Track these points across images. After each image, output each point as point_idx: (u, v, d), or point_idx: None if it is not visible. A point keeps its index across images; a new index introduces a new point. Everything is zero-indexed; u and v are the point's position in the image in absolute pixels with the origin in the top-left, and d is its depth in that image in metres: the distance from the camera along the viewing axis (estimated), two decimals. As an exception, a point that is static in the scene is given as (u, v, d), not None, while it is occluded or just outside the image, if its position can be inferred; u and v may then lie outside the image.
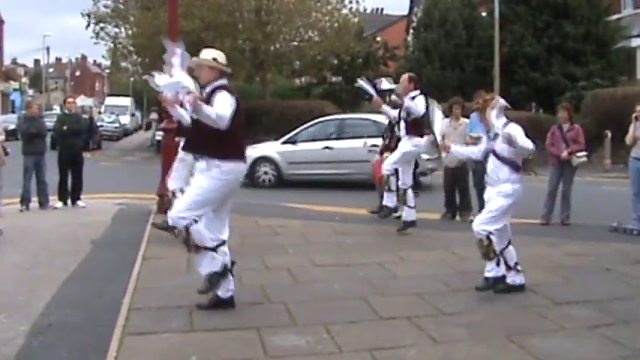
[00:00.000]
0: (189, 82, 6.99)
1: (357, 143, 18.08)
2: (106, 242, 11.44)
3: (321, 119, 22.79)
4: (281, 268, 9.36)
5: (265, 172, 21.21)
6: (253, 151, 20.64)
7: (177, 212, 7.15)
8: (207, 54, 7.45)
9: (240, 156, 7.31)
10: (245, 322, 6.96)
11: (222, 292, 7.42)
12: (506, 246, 8.17)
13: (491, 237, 7.98)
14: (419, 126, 11.81)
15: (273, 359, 6.08)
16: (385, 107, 12.60)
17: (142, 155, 38.06)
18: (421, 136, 11.82)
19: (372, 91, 12.35)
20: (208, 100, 7.03)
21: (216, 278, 7.31)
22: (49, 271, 9.25)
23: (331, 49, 38.17)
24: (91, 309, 7.60)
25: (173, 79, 6.90)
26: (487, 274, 8.24)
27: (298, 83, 48.82)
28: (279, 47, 38.91)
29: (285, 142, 21.81)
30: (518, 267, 8.24)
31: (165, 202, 11.43)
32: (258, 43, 36.45)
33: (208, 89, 7.25)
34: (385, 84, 12.82)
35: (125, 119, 65.09)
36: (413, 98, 11.76)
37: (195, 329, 6.81)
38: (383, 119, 15.83)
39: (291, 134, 21.57)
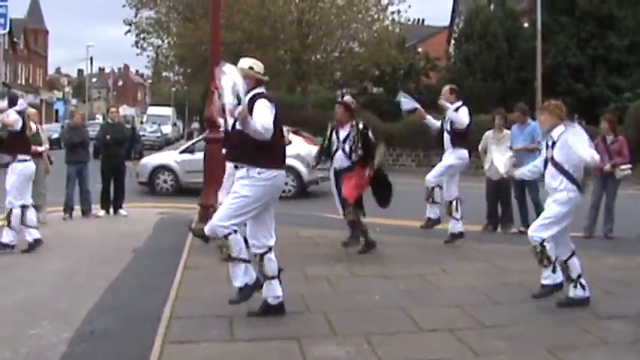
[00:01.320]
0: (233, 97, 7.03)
1: None
2: (148, 251, 11.52)
3: None
4: (321, 278, 9.35)
5: (164, 181, 21.79)
6: (152, 160, 22.40)
7: (218, 221, 7.17)
8: (244, 63, 7.50)
9: (279, 163, 7.31)
10: (285, 332, 6.95)
11: (272, 300, 7.44)
12: (570, 257, 8.05)
13: (545, 244, 7.89)
14: (464, 138, 11.72)
15: (314, 370, 6.07)
16: (429, 119, 12.41)
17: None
18: (467, 148, 11.74)
19: (413, 104, 12.19)
20: (249, 109, 7.07)
21: (248, 291, 7.36)
22: (91, 279, 9.33)
23: (372, 60, 38.15)
24: (132, 317, 7.64)
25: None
26: (543, 282, 8.17)
27: (339, 94, 48.83)
28: (320, 58, 38.96)
29: (183, 152, 22.37)
30: (582, 280, 8.06)
31: (211, 213, 11.36)
32: (299, 53, 36.55)
33: (247, 98, 7.28)
34: (406, 103, 12.53)
35: (167, 129, 65.49)
36: (456, 110, 11.69)
37: (235, 339, 6.81)
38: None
39: (188, 144, 22.14)
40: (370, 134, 11.38)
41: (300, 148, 20.68)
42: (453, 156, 11.72)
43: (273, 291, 7.43)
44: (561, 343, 6.75)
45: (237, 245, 7.19)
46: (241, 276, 7.30)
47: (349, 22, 37.65)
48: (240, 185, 7.19)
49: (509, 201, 13.86)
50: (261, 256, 7.36)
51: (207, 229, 7.39)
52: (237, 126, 7.13)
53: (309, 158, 16.70)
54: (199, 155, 19.02)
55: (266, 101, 7.14)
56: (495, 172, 12.96)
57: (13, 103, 11.70)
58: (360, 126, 11.28)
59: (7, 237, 11.19)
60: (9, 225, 11.19)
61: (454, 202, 11.86)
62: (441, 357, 6.31)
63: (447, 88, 12.25)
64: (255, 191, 7.14)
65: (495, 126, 13.79)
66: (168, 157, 22.69)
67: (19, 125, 11.27)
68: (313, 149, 15.82)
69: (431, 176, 11.90)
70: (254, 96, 7.23)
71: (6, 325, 7.32)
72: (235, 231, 7.18)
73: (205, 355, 6.36)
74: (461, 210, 11.87)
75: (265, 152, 7.08)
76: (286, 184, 20.09)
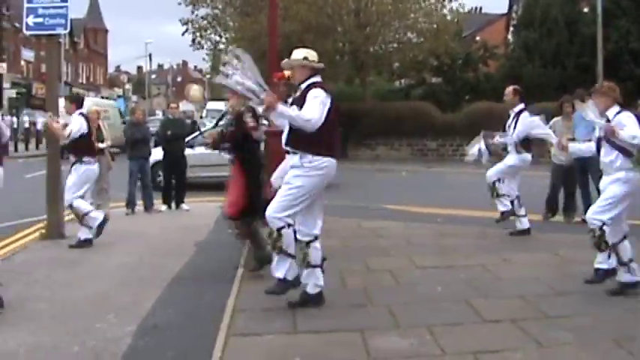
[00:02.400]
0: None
1: None
2: (210, 245, 11.62)
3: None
4: (383, 270, 9.33)
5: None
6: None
7: (273, 212, 7.22)
8: (298, 54, 7.55)
9: (331, 152, 7.33)
10: (348, 324, 6.95)
11: (311, 288, 7.49)
12: (621, 240, 7.89)
13: (605, 228, 7.78)
14: (528, 142, 11.62)
15: (377, 361, 6.07)
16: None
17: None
18: (530, 152, 11.63)
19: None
20: (303, 99, 7.11)
21: (287, 285, 7.43)
22: (154, 273, 9.44)
23: (430, 50, 37.90)
24: (195, 310, 7.74)
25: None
26: (597, 266, 8.09)
27: (398, 85, 48.60)
28: (378, 49, 38.81)
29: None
30: (633, 264, 7.92)
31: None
32: (357, 44, 36.45)
33: (302, 87, 7.33)
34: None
35: (226, 123, 65.75)
36: (519, 113, 11.59)
37: (298, 331, 6.84)
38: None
39: (188, 139, 19.99)
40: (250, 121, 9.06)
41: None
42: (516, 157, 11.62)
43: (315, 279, 7.48)
44: (628, 334, 6.63)
45: (287, 239, 7.24)
46: (285, 269, 7.36)
47: (407, 12, 37.43)
48: (293, 176, 7.24)
49: (573, 189, 13.64)
50: (307, 243, 7.40)
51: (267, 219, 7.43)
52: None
53: None
54: (200, 150, 18.99)
55: (319, 91, 7.18)
56: (568, 158, 12.69)
57: (79, 104, 11.88)
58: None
59: (83, 233, 11.39)
60: (80, 222, 11.39)
61: (515, 201, 11.76)
62: (505, 348, 6.25)
63: (510, 89, 12.08)
64: (307, 181, 7.19)
65: (564, 113, 13.50)
66: None
67: (83, 129, 11.43)
68: None
69: (491, 173, 11.79)
70: (309, 86, 7.27)
71: (73, 319, 7.45)
72: (290, 225, 7.23)
73: (269, 348, 6.39)
74: (523, 206, 11.78)
75: (318, 139, 7.13)
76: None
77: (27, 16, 12.41)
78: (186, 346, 6.61)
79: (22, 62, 63.11)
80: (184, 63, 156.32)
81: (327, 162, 7.25)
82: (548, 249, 10.65)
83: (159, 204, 15.89)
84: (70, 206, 11.46)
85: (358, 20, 36.76)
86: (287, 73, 11.16)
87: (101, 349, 6.52)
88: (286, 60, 7.61)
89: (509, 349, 6.22)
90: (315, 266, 7.44)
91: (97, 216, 11.49)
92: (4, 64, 43.26)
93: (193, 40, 40.23)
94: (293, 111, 7.11)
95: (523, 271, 9.30)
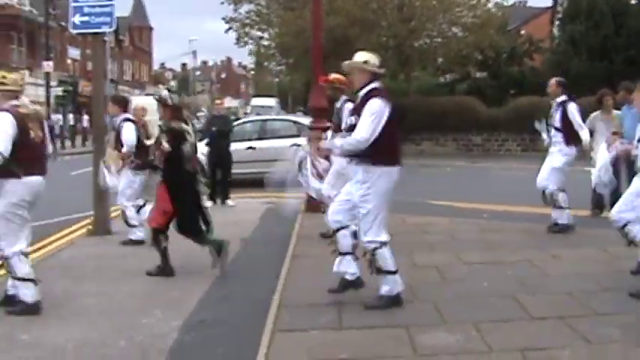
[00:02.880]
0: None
1: (279, 143, 17.88)
2: (256, 240, 11.69)
3: (242, 121, 23.47)
4: (429, 266, 9.29)
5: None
6: None
7: (366, 238, 7.28)
8: (359, 57, 7.46)
9: (394, 161, 7.32)
10: (394, 320, 6.95)
11: (350, 275, 7.54)
12: None
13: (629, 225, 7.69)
14: (576, 135, 11.47)
15: (423, 357, 6.05)
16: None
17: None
18: (576, 145, 11.49)
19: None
20: (362, 106, 7.10)
21: (392, 300, 7.40)
22: (200, 269, 9.47)
23: (475, 44, 37.67)
24: (241, 306, 7.79)
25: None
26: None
27: (442, 80, 48.35)
28: (422, 43, 38.67)
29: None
30: None
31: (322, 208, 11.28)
32: (402, 39, 36.35)
33: (361, 94, 7.30)
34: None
35: (271, 119, 65.92)
36: (562, 104, 11.44)
37: (344, 327, 6.84)
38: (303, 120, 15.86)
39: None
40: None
41: None
42: (561, 155, 11.45)
43: (347, 266, 7.56)
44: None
45: (382, 257, 7.30)
46: (390, 286, 7.38)
47: (452, 6, 37.25)
48: (364, 196, 7.22)
49: (619, 185, 13.44)
50: (335, 231, 7.52)
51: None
52: (352, 121, 7.24)
53: None
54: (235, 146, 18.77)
55: (376, 103, 7.14)
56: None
57: (124, 106, 11.95)
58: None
59: (133, 234, 11.53)
60: (129, 224, 11.52)
61: (560, 194, 11.57)
62: (552, 345, 6.19)
63: (553, 81, 11.91)
64: (377, 196, 7.22)
65: (604, 107, 13.32)
66: None
67: (134, 139, 11.55)
68: None
69: (544, 180, 11.58)
70: (367, 93, 7.25)
71: (120, 315, 7.53)
72: (384, 243, 7.30)
73: (315, 343, 6.41)
74: (567, 199, 11.63)
75: (379, 151, 7.10)
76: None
77: (73, 15, 12.54)
78: (232, 342, 6.65)
79: (69, 60, 63.76)
80: (228, 59, 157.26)
81: (391, 170, 7.26)
82: (597, 245, 10.52)
83: (204, 200, 15.93)
84: (122, 211, 11.66)
85: (402, 14, 36.66)
86: (332, 76, 11.17)
87: (148, 344, 6.60)
88: (347, 62, 7.54)
89: (557, 346, 6.16)
90: (345, 253, 7.52)
91: (139, 234, 11.55)
92: (51, 63, 43.66)
93: (238, 39, 40.37)
94: (339, 141, 7.26)
95: (570, 268, 9.20)
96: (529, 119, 14.45)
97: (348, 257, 7.49)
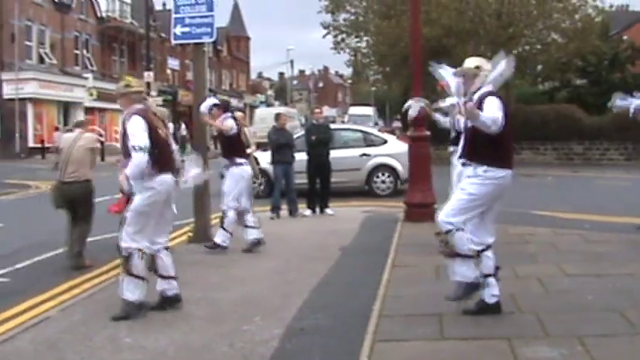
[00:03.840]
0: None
1: (346, 153, 17.53)
2: (355, 249, 11.66)
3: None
4: (531, 277, 9.12)
5: (260, 184, 19.02)
6: None
7: (445, 217, 7.18)
8: (470, 62, 7.49)
9: (507, 162, 7.25)
10: (496, 332, 6.83)
11: (488, 298, 7.36)
12: None
13: None
14: None
15: (526, 371, 5.93)
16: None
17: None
18: None
19: None
20: (478, 108, 7.05)
21: (469, 289, 7.28)
22: (300, 277, 9.54)
23: (576, 51, 37.04)
24: (341, 314, 7.76)
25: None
26: None
27: (541, 88, 47.64)
28: (521, 51, 38.20)
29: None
30: None
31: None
32: (500, 47, 35.98)
33: (476, 97, 7.25)
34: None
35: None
36: None
37: (445, 337, 6.76)
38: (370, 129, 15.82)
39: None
40: None
41: (394, 146, 20.43)
42: None
43: (489, 289, 7.35)
44: None
45: (460, 242, 7.15)
46: (463, 273, 7.25)
47: (550, 12, 36.70)
48: (469, 183, 7.20)
49: None
50: (479, 253, 7.31)
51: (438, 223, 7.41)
52: (469, 124, 7.20)
53: (404, 157, 16.18)
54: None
55: (495, 98, 7.11)
56: None
57: (227, 109, 12.18)
58: None
59: (220, 237, 11.61)
60: (222, 226, 11.61)
61: None
62: (663, 361, 6.01)
63: None
64: (481, 189, 7.13)
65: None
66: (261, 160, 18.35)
67: (234, 130, 11.71)
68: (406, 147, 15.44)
69: None
70: (483, 94, 7.20)
71: (222, 320, 7.61)
72: (462, 229, 7.15)
73: (416, 353, 6.35)
74: None
75: (494, 151, 7.08)
76: (383, 182, 20.01)
77: (174, 26, 12.77)
78: (332, 350, 6.63)
79: (168, 71, 65.11)
80: (326, 68, 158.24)
81: (503, 173, 7.17)
82: None
83: (303, 208, 16.03)
84: (224, 212, 11.73)
85: (501, 22, 36.29)
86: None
87: (249, 350, 6.63)
88: (460, 68, 7.62)
89: (667, 362, 5.97)
90: (488, 275, 7.35)
91: (255, 234, 11.74)
92: (152, 73, 44.58)
93: (335, 46, 40.61)
94: (483, 114, 7.03)
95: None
96: (633, 128, 14.09)
97: (468, 261, 7.35)
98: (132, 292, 7.70)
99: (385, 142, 20.76)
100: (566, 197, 19.21)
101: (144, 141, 7.45)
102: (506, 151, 7.25)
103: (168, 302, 8.06)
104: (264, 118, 41.20)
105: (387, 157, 20.01)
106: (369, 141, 20.71)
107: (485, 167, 7.09)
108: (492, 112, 6.91)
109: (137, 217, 7.65)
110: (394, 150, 20.07)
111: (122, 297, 7.72)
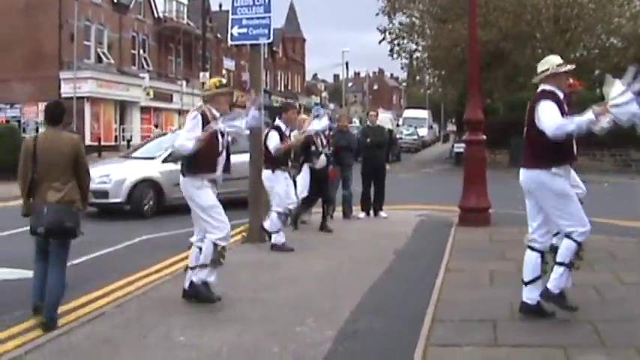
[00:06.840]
0: None
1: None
2: (408, 253, 11.61)
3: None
4: (587, 285, 8.97)
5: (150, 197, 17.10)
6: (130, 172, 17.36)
7: (574, 229, 7.37)
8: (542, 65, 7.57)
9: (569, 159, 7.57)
10: (551, 340, 6.74)
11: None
12: None
13: None
14: None
15: (581, 381, 5.86)
16: None
17: (440, 167, 38.29)
18: None
19: None
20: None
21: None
22: (353, 279, 9.52)
23: (634, 56, 36.50)
24: (394, 318, 7.74)
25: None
26: None
27: (598, 93, 46.98)
28: (579, 55, 37.75)
29: (165, 161, 17.33)
30: None
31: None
32: (557, 51, 35.60)
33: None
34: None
35: (423, 131, 65.88)
36: None
37: (499, 344, 6.70)
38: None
39: (169, 151, 16.88)
40: None
41: None
42: None
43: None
44: None
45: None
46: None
47: (610, 16, 36.21)
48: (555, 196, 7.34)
49: None
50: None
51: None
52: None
53: None
54: None
55: (549, 102, 7.24)
56: None
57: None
58: None
59: (276, 239, 11.79)
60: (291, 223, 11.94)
61: None
62: None
63: None
64: (560, 186, 7.32)
65: None
66: (150, 168, 17.54)
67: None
68: None
69: None
70: (540, 94, 7.38)
71: (275, 321, 7.61)
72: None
73: (469, 359, 6.30)
74: None
75: (554, 151, 7.25)
76: None
77: (232, 27, 12.84)
78: (385, 354, 6.62)
79: (224, 71, 65.54)
80: (381, 71, 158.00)
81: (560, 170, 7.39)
82: None
83: (357, 211, 16.01)
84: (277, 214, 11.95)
85: (558, 26, 35.90)
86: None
87: (301, 352, 6.63)
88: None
89: None
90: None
91: (280, 239, 11.87)
92: (208, 74, 44.83)
93: (391, 50, 40.55)
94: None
95: None
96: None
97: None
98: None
99: None
100: (623, 204, 18.92)
101: None
102: (566, 148, 7.52)
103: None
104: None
105: None
106: None
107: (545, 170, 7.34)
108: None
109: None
110: None
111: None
